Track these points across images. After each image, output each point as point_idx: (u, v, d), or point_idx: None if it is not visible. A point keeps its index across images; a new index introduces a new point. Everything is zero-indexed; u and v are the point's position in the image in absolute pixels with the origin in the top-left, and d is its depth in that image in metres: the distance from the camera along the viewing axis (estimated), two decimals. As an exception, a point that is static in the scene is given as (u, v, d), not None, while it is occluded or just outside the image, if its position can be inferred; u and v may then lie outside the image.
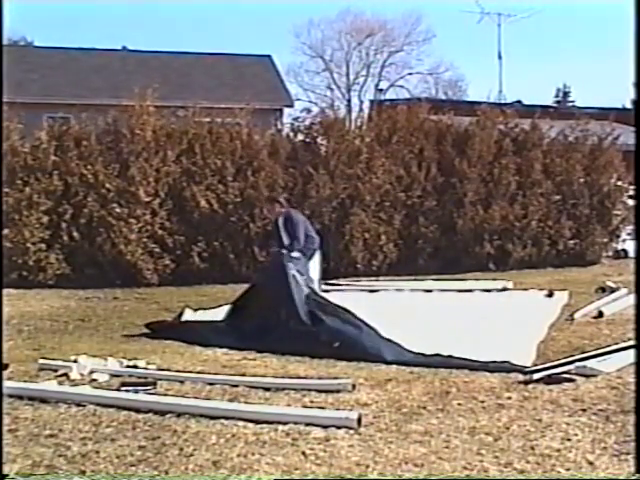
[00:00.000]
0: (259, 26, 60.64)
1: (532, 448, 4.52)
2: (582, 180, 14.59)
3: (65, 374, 6.32)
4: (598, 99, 53.79)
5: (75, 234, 12.10)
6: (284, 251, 8.71)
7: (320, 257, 9.53)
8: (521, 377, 6.09)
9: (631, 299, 9.29)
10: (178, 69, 26.47)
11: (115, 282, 11.94)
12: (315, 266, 9.32)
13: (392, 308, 9.69)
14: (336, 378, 6.12)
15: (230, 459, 4.39)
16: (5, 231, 11.79)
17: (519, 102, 22.61)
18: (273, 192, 12.24)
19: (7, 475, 4.18)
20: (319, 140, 13.63)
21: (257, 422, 4.95)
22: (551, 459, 4.34)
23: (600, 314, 8.91)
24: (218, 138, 12.97)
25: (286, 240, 9.11)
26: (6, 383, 5.75)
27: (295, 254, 8.78)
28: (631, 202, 14.77)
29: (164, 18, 58.84)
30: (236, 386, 5.90)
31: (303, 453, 4.46)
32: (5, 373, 6.16)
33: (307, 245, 9.17)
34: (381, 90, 42.05)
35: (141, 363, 6.69)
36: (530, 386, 5.86)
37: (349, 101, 44.20)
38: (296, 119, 14.32)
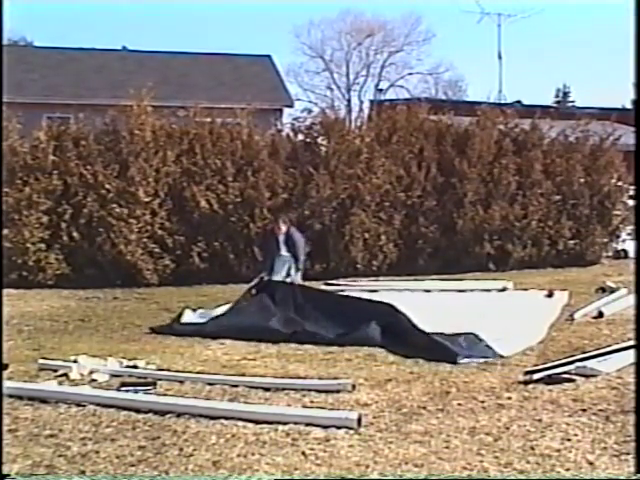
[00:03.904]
0: (259, 26, 60.61)
1: (532, 448, 4.52)
2: (582, 180, 14.57)
3: (65, 374, 6.33)
4: (598, 99, 53.72)
5: (75, 234, 12.08)
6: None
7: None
8: (521, 377, 6.10)
9: (631, 299, 9.29)
10: (178, 69, 26.43)
11: (115, 282, 11.93)
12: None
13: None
14: (336, 378, 6.12)
15: (230, 459, 4.39)
16: (5, 231, 11.78)
17: (519, 102, 22.60)
18: (274, 194, 12.42)
19: (7, 475, 4.18)
20: (319, 140, 13.62)
21: (257, 422, 4.95)
22: (551, 459, 4.35)
23: (600, 314, 8.92)
24: (218, 138, 12.95)
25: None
26: (6, 383, 5.75)
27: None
28: (631, 202, 14.76)
29: (164, 18, 58.83)
30: (236, 386, 5.91)
31: (303, 453, 4.46)
32: (5, 373, 6.16)
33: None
34: (381, 90, 42.03)
35: (141, 363, 6.70)
36: (530, 386, 5.86)
37: (349, 101, 44.20)
38: (296, 119, 14.30)
